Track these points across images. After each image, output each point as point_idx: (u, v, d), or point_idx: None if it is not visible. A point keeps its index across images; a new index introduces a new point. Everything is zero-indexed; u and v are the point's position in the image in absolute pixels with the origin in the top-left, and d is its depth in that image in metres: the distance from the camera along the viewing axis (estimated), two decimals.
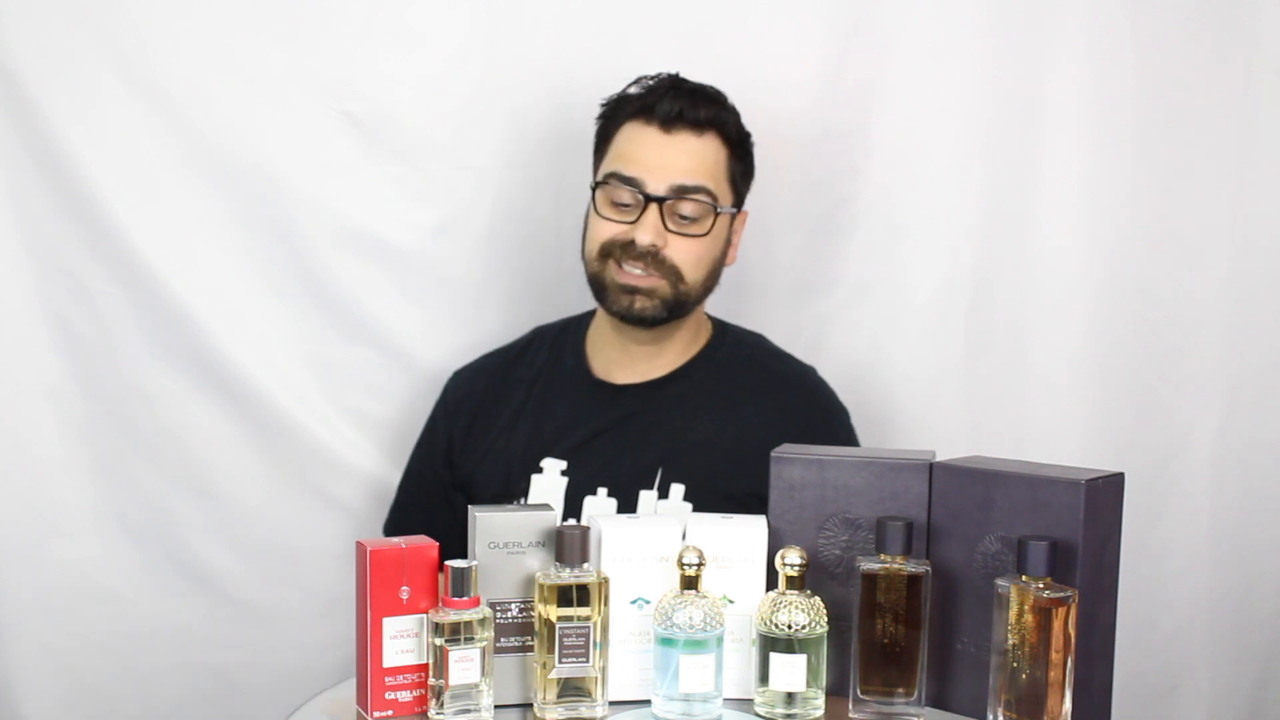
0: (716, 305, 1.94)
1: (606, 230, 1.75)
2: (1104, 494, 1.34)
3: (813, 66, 1.99)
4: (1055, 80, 1.99)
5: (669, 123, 1.74)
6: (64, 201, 1.90)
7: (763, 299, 2.03)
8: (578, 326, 1.88)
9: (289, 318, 1.98)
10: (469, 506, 1.40)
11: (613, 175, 1.75)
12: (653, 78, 1.79)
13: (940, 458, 1.43)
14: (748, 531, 1.41)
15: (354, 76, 1.94)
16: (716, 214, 1.75)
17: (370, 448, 2.01)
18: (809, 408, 1.83)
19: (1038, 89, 1.99)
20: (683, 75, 1.80)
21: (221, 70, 1.91)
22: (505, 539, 1.36)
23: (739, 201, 1.82)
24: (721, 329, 1.89)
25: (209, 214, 1.94)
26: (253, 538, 2.02)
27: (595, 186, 1.77)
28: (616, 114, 1.79)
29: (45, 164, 1.89)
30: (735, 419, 1.79)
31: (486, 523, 1.36)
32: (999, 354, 2.04)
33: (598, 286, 1.77)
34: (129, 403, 1.96)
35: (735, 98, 1.86)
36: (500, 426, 1.83)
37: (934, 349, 2.03)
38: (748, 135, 1.82)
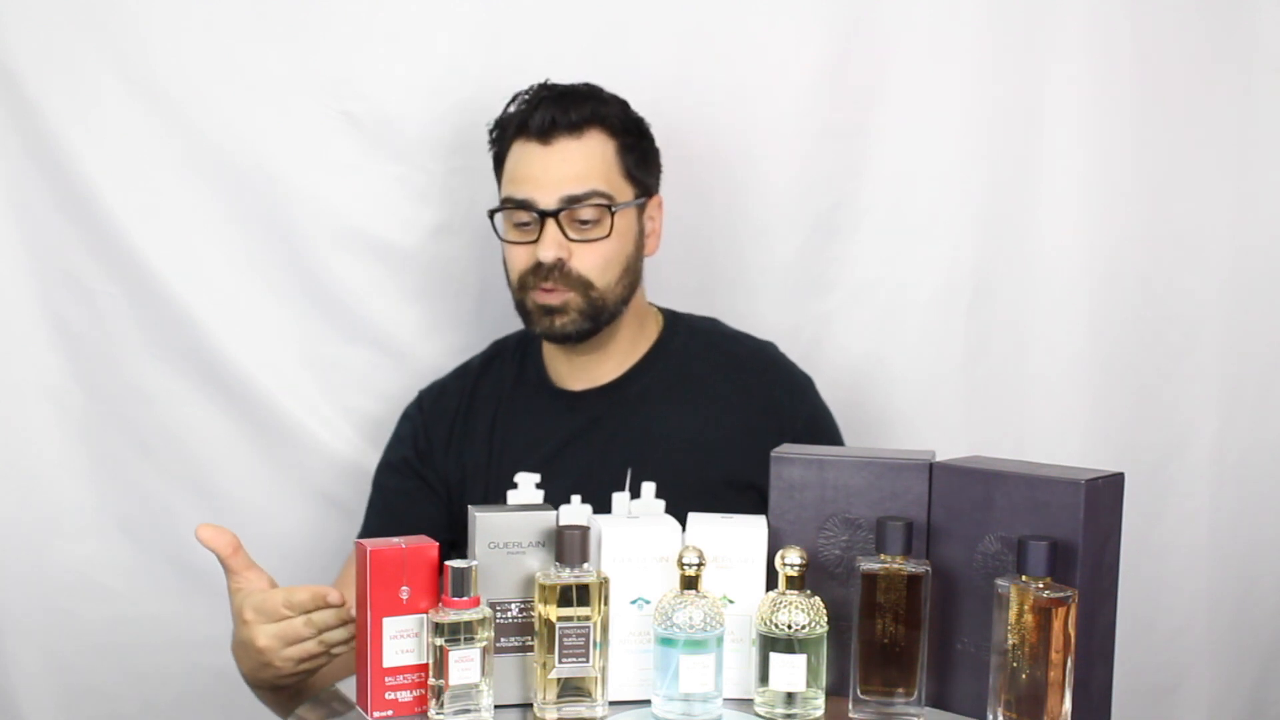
0: (718, 306, 1.93)
1: (519, 258, 1.75)
2: (1104, 494, 1.34)
3: (813, 67, 1.99)
4: (1055, 80, 1.99)
5: (545, 133, 1.72)
6: (64, 201, 1.90)
7: (763, 299, 2.03)
8: (535, 338, 1.88)
9: (289, 318, 1.98)
10: (469, 506, 1.40)
11: (507, 200, 1.75)
12: (527, 91, 1.78)
13: (940, 458, 1.43)
14: (748, 531, 1.41)
15: (354, 76, 1.94)
16: (613, 213, 1.74)
17: (369, 447, 2.01)
18: (771, 383, 1.82)
19: (1038, 89, 2.00)
20: (552, 80, 1.78)
21: (221, 70, 1.91)
22: (505, 539, 1.36)
23: (645, 190, 1.80)
24: (673, 319, 1.88)
25: (209, 214, 1.94)
26: (252, 537, 2.00)
27: (495, 213, 1.77)
28: (503, 137, 1.78)
29: (45, 164, 1.89)
30: (698, 408, 1.79)
31: (486, 523, 1.36)
32: (999, 354, 2.04)
33: (522, 313, 1.77)
34: (129, 403, 1.96)
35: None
36: (478, 443, 1.83)
37: (934, 349, 2.03)
38: (638, 121, 1.79)
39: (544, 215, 1.71)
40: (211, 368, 1.95)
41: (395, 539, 1.36)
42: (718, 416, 1.78)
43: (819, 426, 1.82)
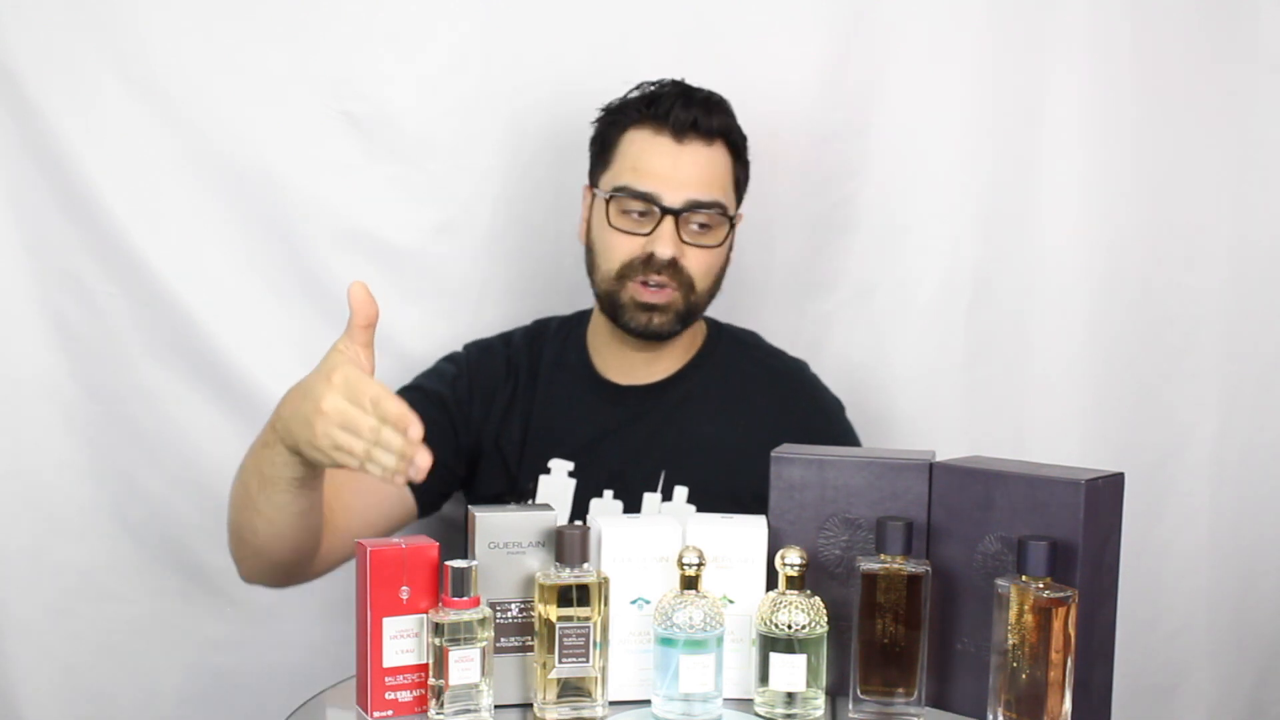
0: (718, 306, 1.93)
1: (623, 248, 1.73)
2: (1104, 494, 1.34)
3: (813, 66, 1.99)
4: (1055, 80, 1.99)
5: (682, 132, 1.72)
6: (64, 201, 1.90)
7: (763, 299, 2.03)
8: (578, 324, 1.88)
9: (289, 317, 1.98)
10: (469, 506, 1.40)
11: (624, 189, 1.73)
12: (655, 83, 1.78)
13: (940, 458, 1.43)
14: (748, 531, 1.41)
15: (354, 76, 1.94)
16: (731, 225, 1.76)
17: None
18: (809, 404, 1.83)
19: (1038, 89, 2.00)
20: (686, 80, 1.78)
21: (221, 70, 1.91)
22: (505, 539, 1.36)
23: (739, 205, 1.82)
24: (716, 329, 1.89)
25: (209, 214, 1.94)
26: None
27: (608, 199, 1.74)
28: (620, 120, 1.77)
29: (45, 164, 1.89)
30: (737, 419, 1.79)
31: (486, 523, 1.36)
32: (999, 354, 2.04)
33: (612, 304, 1.75)
34: (129, 403, 1.96)
35: (735, 98, 1.86)
36: (514, 420, 1.82)
37: (934, 349, 2.03)
38: (745, 138, 1.82)
39: (665, 212, 1.71)
40: (212, 368, 1.95)
41: (395, 539, 1.36)
42: (754, 429, 1.77)
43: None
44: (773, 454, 1.44)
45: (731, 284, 2.00)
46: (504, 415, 1.82)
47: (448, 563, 1.31)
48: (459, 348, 1.90)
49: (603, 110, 1.80)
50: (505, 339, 1.89)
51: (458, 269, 2.00)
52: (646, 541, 1.39)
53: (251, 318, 1.96)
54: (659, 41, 1.97)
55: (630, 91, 1.79)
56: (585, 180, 1.83)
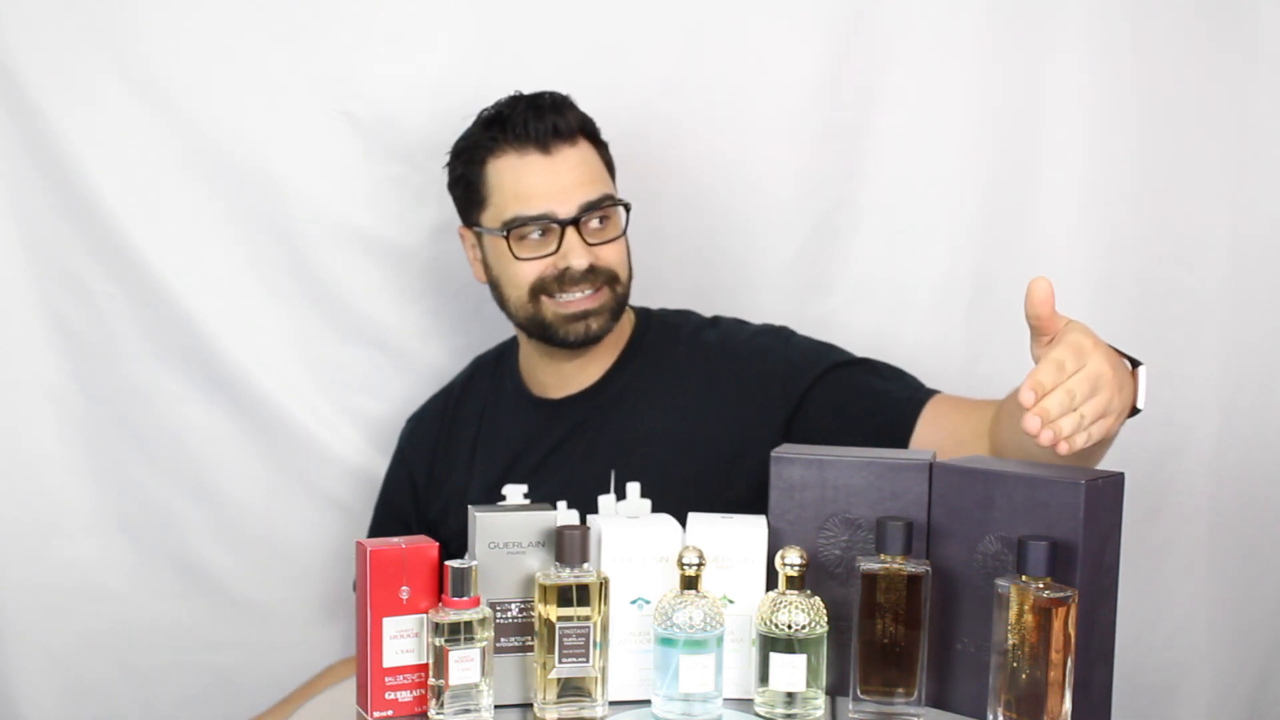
0: (718, 306, 1.93)
1: (531, 271, 1.72)
2: (1104, 494, 1.34)
3: (813, 66, 1.99)
4: (1055, 80, 1.99)
5: (545, 143, 1.70)
6: (64, 201, 1.90)
7: (763, 299, 2.03)
8: (511, 351, 1.87)
9: (289, 318, 1.98)
10: (469, 506, 1.40)
11: (516, 220, 1.71)
12: (492, 107, 1.75)
13: (940, 458, 1.43)
14: (748, 531, 1.41)
15: (354, 76, 1.94)
16: (628, 211, 1.75)
17: (370, 447, 2.01)
18: (738, 362, 1.78)
19: (1038, 88, 2.00)
20: (522, 90, 1.75)
21: (222, 70, 1.91)
22: (505, 539, 1.36)
23: (615, 182, 1.81)
24: (645, 316, 1.86)
25: (209, 214, 1.94)
26: (253, 538, 2.02)
27: (506, 236, 1.72)
28: (475, 156, 1.74)
29: (45, 164, 1.89)
30: (675, 403, 1.77)
31: (486, 523, 1.36)
32: (999, 354, 2.04)
33: (538, 326, 1.74)
34: (129, 403, 1.96)
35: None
36: (459, 466, 1.83)
37: (934, 349, 2.03)
38: (593, 120, 1.78)
39: (564, 225, 1.70)
40: (211, 368, 1.96)
41: (395, 539, 1.36)
42: (694, 409, 1.76)
43: (800, 368, 1.76)
44: (773, 454, 1.44)
45: (732, 283, 2.00)
46: (449, 471, 1.83)
47: (448, 563, 1.31)
48: (448, 373, 1.93)
49: (451, 154, 1.78)
50: (444, 393, 1.91)
51: (458, 269, 2.00)
52: (646, 541, 1.39)
53: (251, 318, 1.97)
54: (659, 41, 1.97)
55: (474, 124, 1.76)
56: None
